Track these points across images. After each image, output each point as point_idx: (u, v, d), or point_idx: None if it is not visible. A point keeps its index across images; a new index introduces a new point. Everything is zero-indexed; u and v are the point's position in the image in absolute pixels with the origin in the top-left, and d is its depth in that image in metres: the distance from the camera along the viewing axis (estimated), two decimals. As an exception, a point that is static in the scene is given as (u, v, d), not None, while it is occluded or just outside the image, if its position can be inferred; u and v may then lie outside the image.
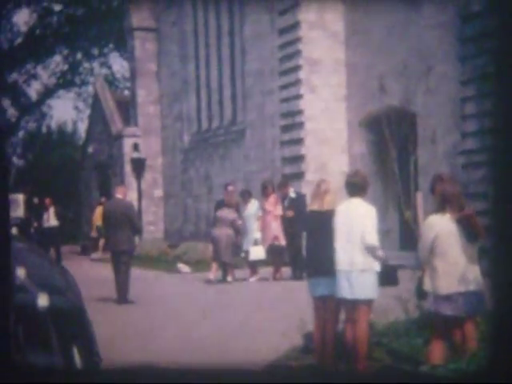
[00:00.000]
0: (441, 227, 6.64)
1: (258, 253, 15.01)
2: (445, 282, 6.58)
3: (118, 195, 13.46)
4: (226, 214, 15.11)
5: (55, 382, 3.34)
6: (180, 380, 3.43)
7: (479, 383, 4.08)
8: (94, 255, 23.43)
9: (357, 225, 7.15)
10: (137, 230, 13.50)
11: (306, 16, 18.29)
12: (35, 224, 24.35)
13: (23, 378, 3.19)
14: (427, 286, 6.72)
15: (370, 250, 7.13)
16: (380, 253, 7.19)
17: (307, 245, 7.73)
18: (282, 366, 7.45)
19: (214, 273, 14.94)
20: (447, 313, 6.60)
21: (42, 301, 3.51)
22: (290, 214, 14.44)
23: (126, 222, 12.90)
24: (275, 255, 15.08)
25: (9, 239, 3.30)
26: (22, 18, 55.50)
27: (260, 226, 15.16)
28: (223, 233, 14.92)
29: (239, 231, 15.07)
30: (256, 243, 15.11)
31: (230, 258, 15.09)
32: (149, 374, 3.51)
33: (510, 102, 3.26)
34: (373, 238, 7.12)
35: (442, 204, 6.71)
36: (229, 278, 15.05)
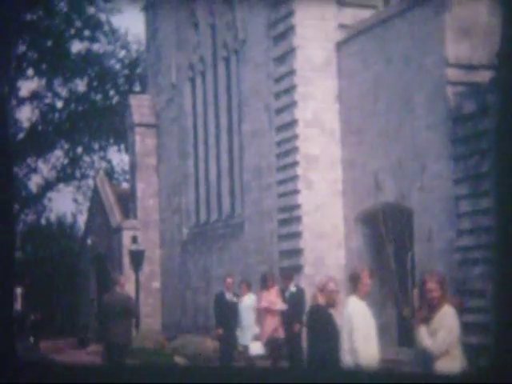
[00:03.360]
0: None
1: (257, 348, 15.06)
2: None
3: (118, 287, 13.56)
4: None
5: (56, 381, 3.43)
6: (180, 379, 3.53)
7: (479, 383, 4.21)
8: (92, 348, 23.33)
9: (346, 324, 7.52)
10: (136, 322, 13.57)
11: (303, 114, 18.90)
12: (32, 317, 24.32)
13: (24, 377, 3.30)
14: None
15: (351, 351, 7.39)
16: (360, 360, 7.36)
17: (307, 339, 8.05)
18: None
19: None
20: None
21: None
22: (297, 328, 14.55)
23: (124, 314, 13.02)
24: (274, 348, 15.13)
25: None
26: (25, 115, 56.78)
27: (258, 319, 15.27)
28: None
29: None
30: (256, 338, 15.18)
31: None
32: (149, 373, 3.61)
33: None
34: (354, 339, 7.38)
35: (441, 302, 7.11)
36: None
